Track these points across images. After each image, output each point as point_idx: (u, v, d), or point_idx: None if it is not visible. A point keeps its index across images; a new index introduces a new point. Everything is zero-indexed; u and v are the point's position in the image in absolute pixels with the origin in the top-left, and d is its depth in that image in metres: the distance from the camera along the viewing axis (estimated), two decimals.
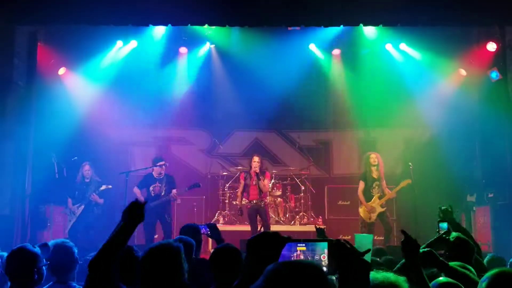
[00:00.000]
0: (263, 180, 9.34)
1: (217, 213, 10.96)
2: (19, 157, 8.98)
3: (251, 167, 9.46)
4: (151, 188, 9.24)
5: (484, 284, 2.30)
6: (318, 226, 5.31)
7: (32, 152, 9.17)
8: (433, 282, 2.81)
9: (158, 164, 9.26)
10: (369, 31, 10.45)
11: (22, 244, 3.79)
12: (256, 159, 9.42)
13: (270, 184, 10.26)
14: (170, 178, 9.35)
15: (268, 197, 9.89)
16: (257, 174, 9.32)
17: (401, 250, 2.89)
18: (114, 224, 3.01)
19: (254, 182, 9.38)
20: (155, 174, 9.31)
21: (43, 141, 9.33)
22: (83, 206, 9.43)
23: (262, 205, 9.39)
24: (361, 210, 9.37)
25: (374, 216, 9.27)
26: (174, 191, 9.12)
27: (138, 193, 9.22)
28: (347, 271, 1.97)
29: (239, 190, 9.74)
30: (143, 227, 9.10)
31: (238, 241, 7.10)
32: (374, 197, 9.29)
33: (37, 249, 3.71)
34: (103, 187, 9.55)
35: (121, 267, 3.01)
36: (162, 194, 9.17)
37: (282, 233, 2.32)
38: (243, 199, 9.78)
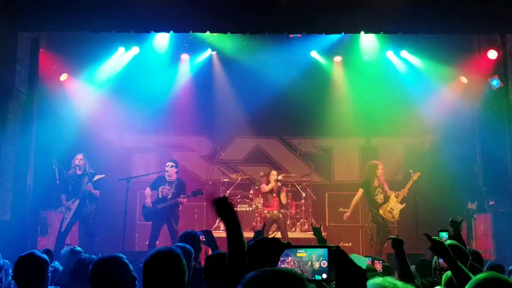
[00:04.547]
0: (282, 193, 9.85)
1: (218, 220, 10.93)
2: (21, 163, 8.97)
3: (269, 180, 9.94)
4: (159, 189, 9.27)
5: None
6: (314, 225, 5.26)
7: (33, 158, 9.16)
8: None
9: (167, 164, 9.40)
10: (371, 39, 10.46)
11: (30, 250, 3.80)
12: (274, 173, 10.04)
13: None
14: (181, 183, 9.40)
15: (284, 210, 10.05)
16: (278, 187, 9.86)
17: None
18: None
19: (274, 194, 9.84)
20: (166, 176, 9.36)
21: (44, 146, 9.33)
22: (78, 201, 9.18)
23: (280, 216, 9.83)
24: (381, 212, 9.51)
25: (396, 215, 9.51)
26: (181, 197, 9.16)
27: (148, 195, 9.31)
28: (344, 278, 1.98)
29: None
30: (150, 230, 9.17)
31: None
32: (391, 197, 9.53)
33: (45, 256, 3.73)
34: (97, 177, 9.34)
35: None
36: (169, 197, 9.17)
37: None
38: (264, 210, 10.08)
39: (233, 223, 2.61)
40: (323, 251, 2.20)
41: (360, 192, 9.62)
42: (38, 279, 3.57)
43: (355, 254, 4.54)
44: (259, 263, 2.12)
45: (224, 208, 2.62)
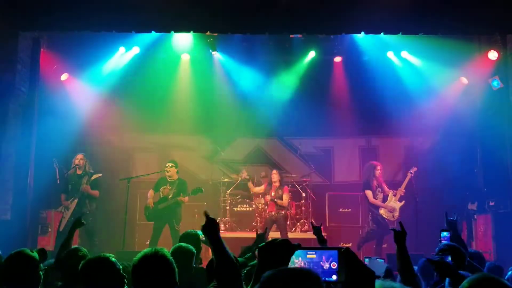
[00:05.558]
0: (282, 195, 9.73)
1: (218, 220, 10.91)
2: (21, 162, 8.96)
3: (271, 180, 9.92)
4: (161, 190, 9.26)
5: None
6: (314, 224, 5.26)
7: (34, 158, 9.15)
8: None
9: (167, 165, 9.38)
10: (371, 39, 10.45)
11: (20, 248, 3.74)
12: (275, 172, 9.97)
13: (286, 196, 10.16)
14: (182, 182, 9.37)
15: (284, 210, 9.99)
16: (276, 188, 9.79)
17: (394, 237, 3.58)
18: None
19: (269, 196, 9.81)
20: (167, 176, 9.37)
21: (45, 146, 9.32)
22: (76, 200, 9.09)
23: (279, 217, 9.71)
24: (382, 212, 9.52)
25: (396, 214, 9.59)
26: (181, 196, 9.13)
27: (151, 196, 9.29)
28: (354, 279, 1.98)
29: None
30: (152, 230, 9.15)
31: (239, 247, 7.07)
32: (389, 196, 9.64)
33: (35, 254, 3.68)
34: (94, 176, 9.26)
35: None
36: (170, 197, 9.16)
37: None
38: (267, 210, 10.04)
39: (219, 244, 2.67)
40: (333, 253, 2.21)
41: (370, 193, 9.63)
42: (27, 278, 3.52)
43: (372, 258, 4.54)
44: (270, 265, 2.12)
45: (212, 230, 2.72)
